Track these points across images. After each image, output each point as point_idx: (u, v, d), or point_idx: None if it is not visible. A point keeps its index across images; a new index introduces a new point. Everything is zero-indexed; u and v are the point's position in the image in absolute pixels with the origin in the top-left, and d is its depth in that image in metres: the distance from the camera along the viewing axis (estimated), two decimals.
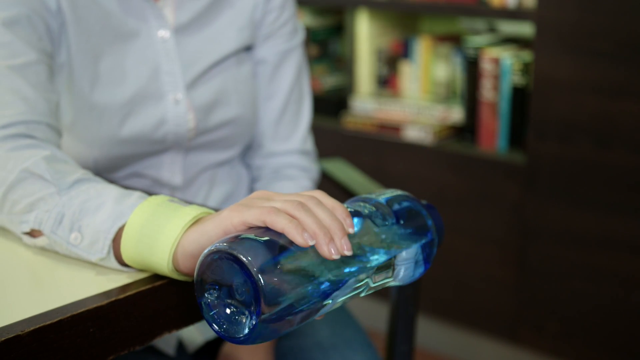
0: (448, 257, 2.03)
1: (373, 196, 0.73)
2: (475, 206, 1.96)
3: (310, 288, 0.61)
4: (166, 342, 1.04)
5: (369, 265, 0.66)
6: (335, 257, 0.62)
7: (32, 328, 0.60)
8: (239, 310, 0.61)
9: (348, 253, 0.63)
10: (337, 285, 0.63)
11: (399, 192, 0.75)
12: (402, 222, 0.71)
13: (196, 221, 0.68)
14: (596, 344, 1.81)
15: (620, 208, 1.71)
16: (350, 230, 0.64)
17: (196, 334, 1.07)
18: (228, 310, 0.61)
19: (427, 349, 2.14)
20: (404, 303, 1.06)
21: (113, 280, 0.70)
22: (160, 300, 0.69)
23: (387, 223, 0.70)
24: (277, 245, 0.61)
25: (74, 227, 0.72)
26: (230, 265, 0.60)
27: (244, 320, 0.60)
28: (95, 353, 0.65)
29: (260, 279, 0.58)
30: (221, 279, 0.61)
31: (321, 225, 0.62)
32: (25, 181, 0.77)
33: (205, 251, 0.61)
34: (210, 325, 0.62)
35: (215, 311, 0.62)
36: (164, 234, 0.67)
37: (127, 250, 0.69)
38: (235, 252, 0.59)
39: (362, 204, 0.71)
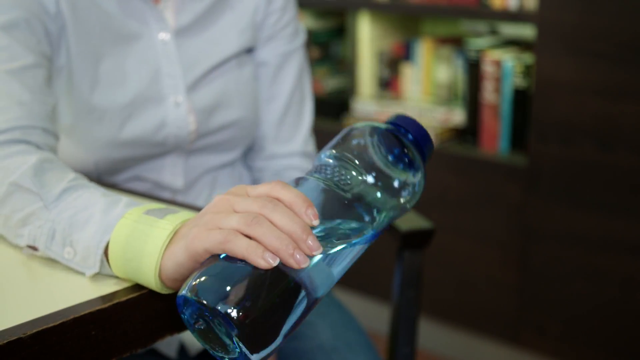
0: (449, 258, 2.03)
1: (331, 153, 0.68)
2: (476, 208, 1.96)
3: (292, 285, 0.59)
4: (168, 345, 1.04)
5: (353, 242, 0.64)
6: (304, 265, 0.59)
7: (34, 331, 0.60)
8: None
9: (317, 253, 0.60)
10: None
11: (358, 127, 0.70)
12: (374, 177, 0.66)
13: (173, 240, 0.66)
14: (598, 345, 1.81)
15: (621, 210, 1.71)
16: (315, 223, 0.61)
17: None
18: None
19: (429, 350, 2.14)
20: (406, 305, 1.06)
21: (115, 283, 0.70)
22: (162, 302, 0.69)
23: (350, 183, 0.65)
24: (240, 270, 0.59)
25: (66, 242, 0.72)
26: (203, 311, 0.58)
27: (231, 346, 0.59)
28: (97, 355, 0.65)
29: (223, 309, 0.56)
30: (202, 315, 0.60)
31: (281, 237, 0.59)
32: (14, 195, 0.76)
33: (178, 296, 0.60)
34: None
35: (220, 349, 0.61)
36: (143, 262, 0.66)
37: (118, 271, 0.69)
38: (199, 299, 0.57)
39: (324, 169, 0.67)
